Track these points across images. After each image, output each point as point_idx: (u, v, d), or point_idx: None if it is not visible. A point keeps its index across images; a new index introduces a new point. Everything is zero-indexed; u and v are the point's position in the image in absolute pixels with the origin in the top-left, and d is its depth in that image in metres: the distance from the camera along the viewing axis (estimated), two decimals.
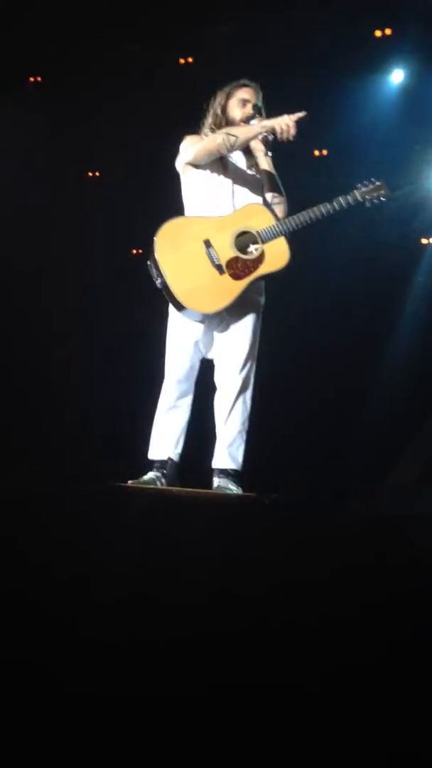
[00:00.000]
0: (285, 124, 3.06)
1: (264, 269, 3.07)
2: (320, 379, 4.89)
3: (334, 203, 3.08)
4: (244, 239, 3.07)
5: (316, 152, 5.05)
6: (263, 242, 3.07)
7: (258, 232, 3.07)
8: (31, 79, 5.29)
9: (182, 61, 5.09)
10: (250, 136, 3.16)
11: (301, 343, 4.89)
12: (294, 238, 3.11)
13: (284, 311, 3.46)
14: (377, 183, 3.14)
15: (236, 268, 3.05)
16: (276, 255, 3.08)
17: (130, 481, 3.11)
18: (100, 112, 5.19)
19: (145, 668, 2.08)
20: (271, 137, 3.16)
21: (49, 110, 5.13)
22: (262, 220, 3.09)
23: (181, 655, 2.13)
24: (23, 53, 5.03)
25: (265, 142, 3.20)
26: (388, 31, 4.74)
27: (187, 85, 4.86)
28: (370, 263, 4.97)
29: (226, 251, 3.05)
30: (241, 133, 3.15)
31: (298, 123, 3.07)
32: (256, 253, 3.07)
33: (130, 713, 1.89)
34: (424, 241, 5.33)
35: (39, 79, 5.28)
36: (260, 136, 3.16)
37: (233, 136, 3.12)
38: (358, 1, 4.68)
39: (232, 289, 3.04)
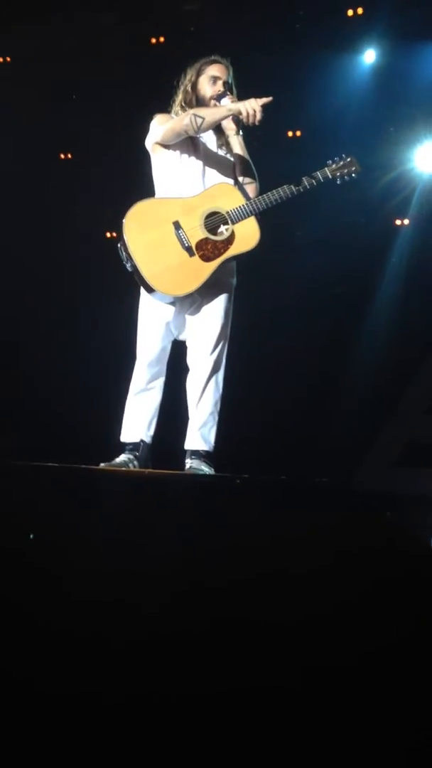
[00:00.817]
0: (252, 108, 3.02)
1: (234, 250, 3.05)
2: (295, 360, 4.89)
3: (305, 181, 3.06)
4: (213, 220, 3.05)
5: (290, 133, 5.02)
6: (233, 223, 3.05)
7: (228, 213, 3.05)
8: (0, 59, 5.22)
9: (153, 40, 5.04)
10: (216, 117, 3.12)
11: (276, 324, 4.88)
12: (267, 219, 3.09)
13: (258, 293, 3.44)
14: (348, 159, 3.12)
15: (206, 250, 3.03)
16: (246, 235, 3.06)
17: (102, 464, 3.10)
18: (72, 91, 5.13)
19: (116, 660, 2.07)
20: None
21: (18, 90, 5.05)
22: (231, 200, 3.07)
23: (156, 646, 2.12)
24: None
25: (236, 121, 3.16)
26: (360, 11, 4.72)
27: (159, 63, 4.82)
28: (345, 244, 4.96)
29: (195, 232, 3.03)
30: (208, 114, 3.11)
31: (265, 107, 3.02)
32: (226, 234, 3.04)
33: (103, 710, 1.89)
34: (398, 221, 5.33)
35: (8, 59, 5.21)
36: (230, 116, 3.12)
37: (200, 117, 3.07)
38: None
39: (202, 271, 3.02)
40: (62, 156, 5.43)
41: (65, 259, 5.13)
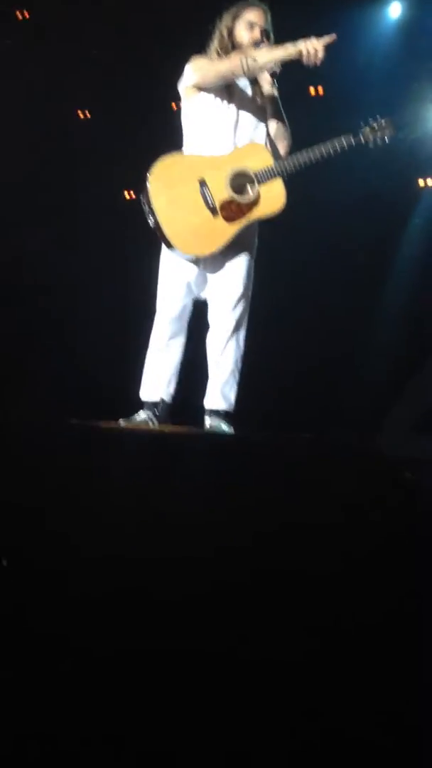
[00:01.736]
0: (313, 47, 2.86)
1: (259, 213, 3.00)
2: (316, 322, 4.86)
3: (336, 143, 2.95)
4: (240, 180, 2.98)
5: (312, 90, 4.92)
6: (260, 184, 2.98)
7: (255, 174, 2.98)
8: (18, 14, 5.13)
9: None
10: (271, 59, 2.95)
11: (296, 285, 4.84)
12: (290, 179, 3.02)
13: (277, 251, 3.39)
14: (383, 121, 3.00)
15: (230, 210, 2.98)
16: (272, 198, 2.99)
17: (121, 420, 3.10)
18: (89, 48, 5.05)
19: (138, 622, 2.09)
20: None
21: (36, 48, 4.99)
22: (260, 161, 2.99)
23: (175, 608, 2.14)
24: None
25: (272, 74, 3.03)
26: None
27: (177, 15, 4.72)
28: (366, 203, 4.89)
29: (221, 192, 2.97)
30: (261, 56, 2.95)
31: (325, 48, 2.86)
32: (251, 195, 2.98)
33: (124, 669, 1.92)
34: (421, 182, 5.24)
35: (26, 14, 5.12)
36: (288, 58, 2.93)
37: (252, 59, 2.93)
38: None
39: (224, 232, 2.98)
40: (80, 114, 5.37)
41: (86, 217, 5.10)
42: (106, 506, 2.34)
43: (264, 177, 2.97)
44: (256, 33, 3.08)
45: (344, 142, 2.97)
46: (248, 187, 2.99)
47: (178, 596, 2.11)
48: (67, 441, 2.67)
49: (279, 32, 3.15)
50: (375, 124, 3.00)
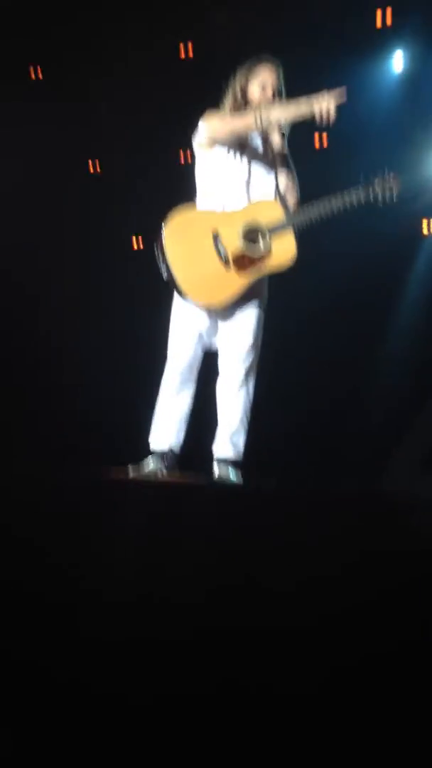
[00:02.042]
0: (326, 107, 2.90)
1: (270, 266, 3.06)
2: (322, 367, 4.89)
3: (346, 198, 3.01)
4: (252, 234, 3.05)
5: (317, 142, 5.01)
6: (271, 239, 3.04)
7: (267, 228, 3.04)
8: (32, 74, 5.26)
9: (182, 45, 5.05)
10: (284, 117, 3.02)
11: (301, 332, 4.87)
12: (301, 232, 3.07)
13: (284, 298, 3.44)
14: (391, 176, 3.06)
15: (243, 263, 3.04)
16: (283, 251, 3.05)
17: (130, 466, 3.12)
18: (101, 104, 5.18)
19: (145, 665, 2.10)
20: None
21: (48, 104, 5.11)
22: (271, 215, 3.06)
23: (182, 652, 2.14)
24: (24, 47, 5.01)
25: (282, 135, 3.08)
26: (389, 18, 4.71)
27: (186, 73, 4.85)
28: (370, 251, 4.94)
29: (234, 245, 3.04)
30: (275, 113, 3.01)
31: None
32: (263, 249, 3.05)
33: (129, 710, 1.92)
34: (425, 231, 5.30)
35: (39, 72, 5.26)
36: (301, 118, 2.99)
37: (265, 115, 2.99)
38: None
39: (236, 283, 3.04)
40: (91, 166, 5.47)
41: (97, 266, 5.18)
42: (115, 558, 2.36)
43: (276, 233, 3.04)
44: (269, 93, 3.14)
45: (354, 197, 3.02)
46: (260, 241, 3.05)
47: (184, 643, 2.12)
48: (79, 491, 2.69)
49: (287, 86, 3.22)
50: (383, 180, 3.05)
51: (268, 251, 3.05)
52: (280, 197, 3.13)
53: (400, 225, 4.87)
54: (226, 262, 3.03)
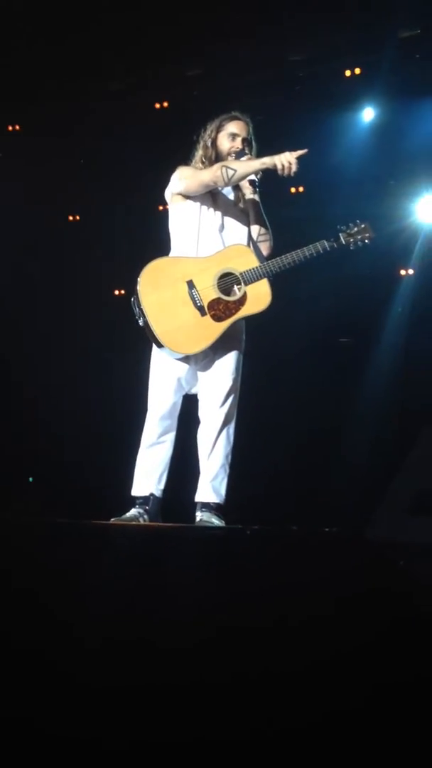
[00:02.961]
0: (287, 161, 3.01)
1: (246, 311, 3.09)
2: (303, 411, 4.91)
3: (318, 246, 3.07)
4: (226, 281, 3.09)
5: (293, 189, 5.12)
6: (246, 284, 3.08)
7: (241, 274, 3.08)
8: (9, 127, 5.38)
9: (157, 105, 5.19)
10: (249, 170, 3.11)
11: (281, 377, 4.91)
12: (276, 278, 3.11)
13: (263, 344, 3.47)
14: (362, 225, 3.13)
15: (218, 310, 3.07)
16: (258, 296, 3.09)
17: (112, 519, 3.10)
18: (79, 156, 5.28)
19: (131, 712, 2.06)
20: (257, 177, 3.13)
21: (26, 156, 5.20)
22: (245, 262, 3.10)
23: (170, 700, 2.11)
24: (1, 100, 5.12)
25: (251, 181, 3.17)
26: (357, 71, 4.85)
27: (163, 127, 4.96)
28: (349, 294, 5.01)
29: (208, 292, 3.07)
30: (241, 167, 3.10)
31: (298, 160, 3.02)
32: (238, 294, 3.08)
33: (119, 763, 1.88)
34: (402, 272, 5.39)
35: (17, 127, 5.37)
36: (263, 169, 3.10)
37: (232, 169, 3.08)
38: (329, 41, 4.78)
39: (213, 330, 3.06)
40: (70, 218, 5.55)
41: (75, 316, 5.21)
42: (98, 604, 2.33)
43: (250, 278, 3.08)
44: (238, 143, 3.22)
45: (327, 246, 3.08)
46: (235, 287, 3.09)
47: (172, 688, 2.08)
48: (58, 539, 2.67)
49: (260, 138, 3.30)
50: (355, 228, 3.12)
51: (243, 297, 3.08)
52: (254, 245, 3.19)
53: (378, 267, 4.95)
54: (201, 309, 3.06)
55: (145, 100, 5.19)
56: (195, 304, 3.06)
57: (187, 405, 3.24)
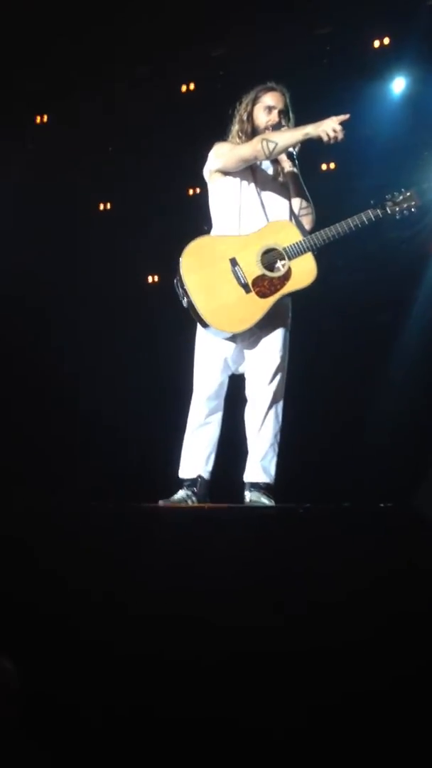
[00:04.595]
0: (331, 129, 2.93)
1: (291, 286, 3.03)
2: (350, 387, 4.86)
3: (364, 217, 3.00)
4: (270, 256, 3.03)
5: (324, 166, 5.04)
6: (290, 259, 3.02)
7: (284, 249, 3.02)
8: (38, 118, 5.39)
9: (183, 87, 5.15)
10: (291, 142, 3.04)
11: (319, 354, 4.86)
12: (320, 254, 3.05)
13: (304, 320, 3.42)
14: (407, 193, 3.04)
15: (263, 286, 3.02)
16: (303, 271, 3.03)
17: (161, 501, 3.10)
18: (108, 142, 5.28)
19: (178, 686, 2.09)
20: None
21: (57, 145, 5.22)
22: (288, 236, 3.04)
23: (215, 675, 2.13)
24: (30, 92, 5.14)
25: (289, 155, 3.11)
26: (386, 41, 4.76)
27: (190, 109, 4.93)
28: (383, 269, 4.94)
29: (252, 269, 3.02)
30: (282, 139, 3.03)
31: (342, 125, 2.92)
32: (282, 270, 3.03)
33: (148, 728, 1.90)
34: None
35: (45, 118, 5.38)
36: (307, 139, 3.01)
37: (272, 142, 3.01)
38: (356, 12, 4.70)
39: (258, 307, 3.02)
40: (101, 206, 5.55)
41: (115, 303, 5.23)
42: (149, 585, 2.35)
43: (294, 252, 3.02)
44: (275, 116, 3.15)
45: (372, 215, 3.01)
46: (279, 263, 3.03)
47: (219, 668, 2.11)
48: (109, 522, 2.68)
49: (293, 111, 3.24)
50: (401, 197, 3.03)
51: (288, 272, 3.02)
52: (296, 219, 3.13)
53: (412, 241, 4.87)
54: (245, 286, 3.01)
55: (171, 83, 5.15)
56: (239, 281, 3.02)
57: (234, 384, 3.20)
